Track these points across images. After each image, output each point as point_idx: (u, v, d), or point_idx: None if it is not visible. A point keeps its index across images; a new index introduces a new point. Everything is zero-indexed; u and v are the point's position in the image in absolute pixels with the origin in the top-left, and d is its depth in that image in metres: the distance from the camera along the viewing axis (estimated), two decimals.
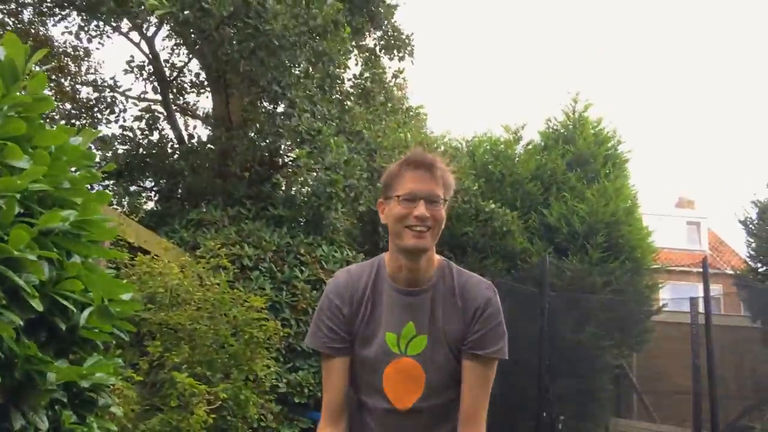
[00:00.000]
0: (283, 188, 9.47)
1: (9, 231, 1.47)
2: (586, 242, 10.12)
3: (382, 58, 10.56)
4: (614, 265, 9.99)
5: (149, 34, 9.77)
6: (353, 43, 9.52)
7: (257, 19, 7.13)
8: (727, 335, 9.78)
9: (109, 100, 10.61)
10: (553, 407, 8.18)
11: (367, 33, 10.36)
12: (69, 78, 11.13)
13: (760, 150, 50.09)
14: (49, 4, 10.14)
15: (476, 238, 10.14)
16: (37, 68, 1.73)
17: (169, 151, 10.22)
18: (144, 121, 10.24)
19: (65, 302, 1.69)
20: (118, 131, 10.11)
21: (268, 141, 8.75)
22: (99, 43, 10.74)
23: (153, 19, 8.96)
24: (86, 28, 10.43)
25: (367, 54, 10.50)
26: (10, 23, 10.39)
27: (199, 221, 7.61)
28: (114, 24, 9.80)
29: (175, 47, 10.88)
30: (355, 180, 7.49)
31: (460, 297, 1.88)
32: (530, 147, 12.01)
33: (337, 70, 8.61)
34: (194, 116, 11.17)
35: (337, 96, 9.36)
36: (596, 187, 10.59)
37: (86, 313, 1.80)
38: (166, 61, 10.64)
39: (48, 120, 9.09)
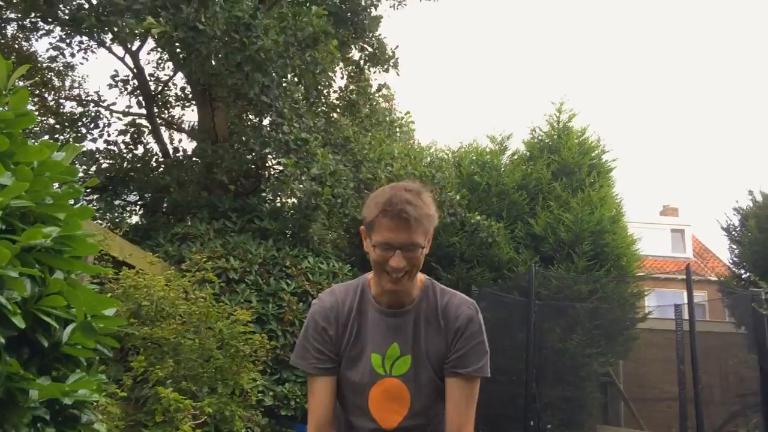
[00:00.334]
0: (269, 200, 9.47)
1: None
2: (572, 251, 10.17)
3: (367, 72, 10.61)
4: (600, 274, 10.05)
5: (133, 48, 9.76)
6: (339, 56, 9.58)
7: (245, 33, 7.16)
8: (712, 341, 9.86)
9: (93, 114, 10.57)
10: (541, 415, 8.19)
11: (352, 46, 10.42)
12: (53, 93, 11.08)
13: (742, 157, 50.68)
14: (32, 20, 10.11)
15: (463, 249, 10.18)
16: (20, 83, 1.73)
17: (154, 164, 10.19)
18: (128, 135, 10.21)
19: (47, 319, 1.68)
20: (102, 146, 10.07)
21: (254, 153, 8.75)
22: (83, 57, 10.72)
23: (137, 33, 8.96)
24: (69, 43, 10.40)
25: (353, 67, 10.55)
26: None
27: (184, 235, 7.58)
28: (98, 38, 9.78)
29: (160, 61, 10.87)
30: (342, 189, 7.51)
31: (442, 317, 1.89)
32: (516, 157, 12.08)
33: (323, 82, 8.66)
34: (179, 130, 11.15)
35: (323, 108, 9.40)
36: (581, 196, 10.67)
37: (69, 329, 1.79)
38: (151, 75, 10.64)
39: (31, 135, 9.05)
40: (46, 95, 10.90)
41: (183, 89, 10.89)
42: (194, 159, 9.50)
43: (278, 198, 8.97)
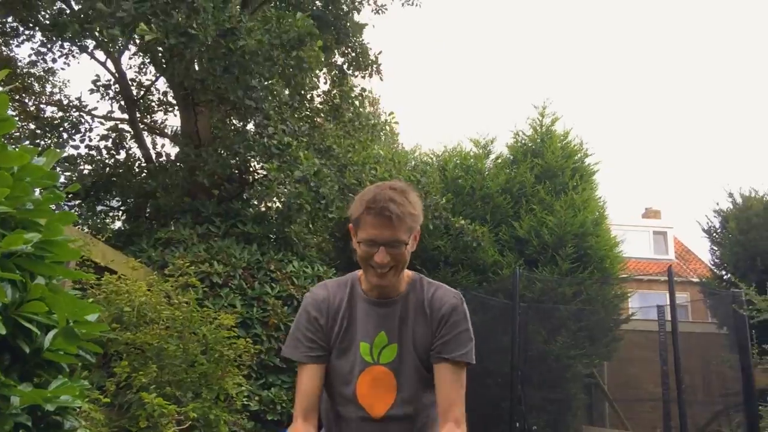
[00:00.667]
0: (253, 205, 9.44)
1: None
2: (556, 254, 10.24)
3: (350, 76, 10.63)
4: (583, 276, 10.12)
5: (115, 53, 9.71)
6: (323, 58, 9.58)
7: (231, 37, 7.16)
8: (695, 342, 9.97)
9: (74, 119, 10.49)
10: (526, 416, 8.23)
11: (335, 51, 10.43)
12: (33, 98, 10.99)
13: (723, 159, 51.25)
14: (12, 24, 10.02)
15: (447, 252, 10.21)
16: None
17: (137, 170, 10.13)
18: (110, 140, 10.14)
19: (29, 325, 1.67)
20: (84, 151, 9.99)
21: (237, 158, 8.73)
22: (64, 62, 10.65)
23: (119, 38, 8.92)
24: (51, 48, 10.32)
25: (336, 71, 10.56)
26: None
27: (167, 240, 7.54)
28: (79, 44, 9.72)
29: (142, 66, 10.82)
30: (327, 189, 7.50)
31: (428, 306, 1.95)
32: (499, 161, 12.14)
33: (308, 84, 8.65)
34: (162, 134, 11.10)
35: (307, 113, 9.39)
36: (564, 199, 10.73)
37: (51, 335, 1.78)
38: (133, 80, 10.58)
39: (12, 140, 8.96)
40: (26, 100, 10.80)
41: (165, 94, 10.85)
42: (177, 164, 9.46)
43: (263, 203, 8.95)
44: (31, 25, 9.58)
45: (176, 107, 10.27)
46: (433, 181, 10.53)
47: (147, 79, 10.81)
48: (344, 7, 10.00)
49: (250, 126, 9.13)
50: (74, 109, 10.66)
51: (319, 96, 10.17)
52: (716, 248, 12.70)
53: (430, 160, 12.95)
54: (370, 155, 9.01)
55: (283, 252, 7.69)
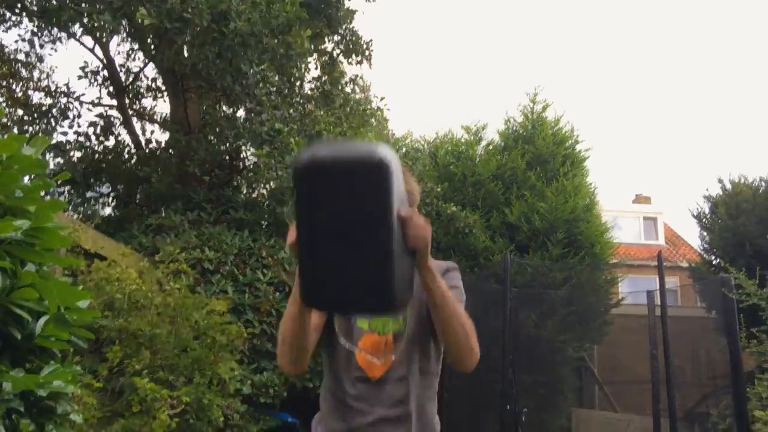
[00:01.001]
0: (244, 191, 9.42)
1: None
2: (547, 239, 10.29)
3: (340, 63, 10.59)
4: (574, 261, 10.18)
5: (104, 39, 9.63)
6: (312, 47, 9.53)
7: (224, 21, 7.12)
8: (684, 326, 10.04)
9: (62, 106, 10.41)
10: (517, 400, 8.30)
11: (325, 37, 10.38)
12: (21, 84, 10.89)
13: (713, 145, 51.44)
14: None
15: (439, 238, 10.24)
16: None
17: (126, 156, 10.07)
18: (99, 126, 10.08)
19: (20, 311, 1.68)
20: (73, 137, 9.93)
21: (227, 144, 8.70)
22: (52, 48, 10.54)
23: (107, 25, 8.84)
24: (39, 34, 10.22)
25: (326, 58, 10.52)
26: None
27: (158, 226, 7.53)
28: (68, 30, 9.63)
29: (130, 51, 10.73)
30: None
31: None
32: (491, 147, 12.15)
33: (297, 72, 8.62)
34: (151, 121, 11.03)
35: (297, 99, 9.36)
36: (555, 185, 10.77)
37: (42, 321, 1.80)
38: (122, 66, 10.50)
39: (0, 127, 8.90)
40: (13, 86, 10.70)
41: (154, 80, 10.77)
42: (168, 150, 9.42)
43: (253, 189, 8.92)
44: (17, 11, 9.47)
45: (165, 93, 10.21)
46: (425, 167, 10.52)
47: (136, 65, 10.73)
48: None
49: (241, 112, 9.09)
50: (62, 96, 10.58)
51: (309, 82, 10.13)
52: (706, 233, 12.79)
53: (421, 147, 12.95)
54: (360, 141, 9.00)
55: (275, 238, 7.69)
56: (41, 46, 10.43)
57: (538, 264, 10.06)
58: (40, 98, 10.81)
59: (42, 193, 1.87)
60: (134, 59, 10.72)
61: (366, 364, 1.93)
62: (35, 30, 10.04)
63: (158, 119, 10.95)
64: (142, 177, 8.88)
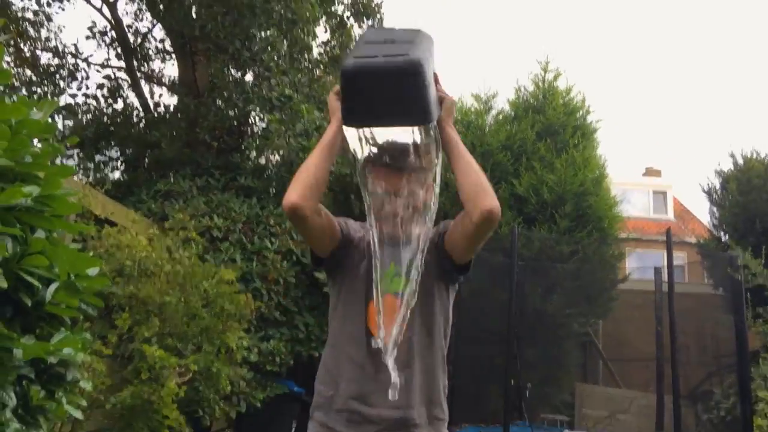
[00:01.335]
0: (253, 158, 9.36)
1: None
2: (555, 212, 10.22)
3: (351, 27, 10.43)
4: (581, 235, 10.12)
5: None
6: (321, 10, 9.37)
7: None
8: (690, 303, 10.03)
9: (71, 66, 10.32)
10: (521, 374, 8.34)
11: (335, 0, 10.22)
12: (29, 43, 10.78)
13: (725, 119, 50.96)
14: None
15: (447, 208, 10.16)
16: None
17: (135, 119, 10.01)
18: (107, 88, 10.00)
19: (30, 278, 1.66)
20: (81, 99, 9.86)
21: (236, 109, 8.61)
22: (59, 7, 10.41)
23: None
24: None
25: (336, 21, 10.35)
26: None
27: (167, 192, 7.50)
28: None
29: (138, 12, 10.59)
30: None
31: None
32: (500, 117, 12.01)
33: (306, 38, 8.49)
34: (160, 84, 10.93)
35: (307, 65, 9.24)
36: (565, 157, 10.66)
37: (52, 288, 1.78)
38: (129, 26, 10.36)
39: (9, 87, 8.83)
40: (21, 46, 10.60)
41: (163, 41, 10.64)
42: (177, 115, 9.34)
43: (262, 155, 8.84)
44: None
45: (174, 56, 10.10)
46: None
47: (144, 26, 10.59)
48: None
49: (249, 77, 8.99)
50: (70, 56, 10.48)
51: (318, 47, 9.99)
52: (716, 209, 12.69)
53: None
54: None
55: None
56: (48, 5, 10.31)
57: (545, 237, 10.01)
58: (48, 58, 10.73)
59: (52, 158, 1.84)
60: (142, 20, 10.59)
61: (374, 325, 1.91)
62: None
63: (167, 82, 10.85)
64: (151, 141, 8.83)
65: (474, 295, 8.49)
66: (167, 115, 9.60)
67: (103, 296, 3.24)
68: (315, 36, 9.30)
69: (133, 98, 10.12)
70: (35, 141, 1.82)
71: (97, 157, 9.35)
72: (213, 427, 6.23)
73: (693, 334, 9.87)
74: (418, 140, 1.95)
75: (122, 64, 10.03)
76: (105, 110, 9.91)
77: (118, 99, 10.07)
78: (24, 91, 9.57)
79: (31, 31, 10.81)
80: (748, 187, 11.79)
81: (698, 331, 10.04)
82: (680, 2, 56.97)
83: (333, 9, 10.31)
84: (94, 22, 10.00)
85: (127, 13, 10.55)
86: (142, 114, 9.90)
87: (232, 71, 9.57)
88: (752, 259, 7.84)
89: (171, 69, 11.12)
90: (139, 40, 10.47)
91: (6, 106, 1.63)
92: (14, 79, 9.63)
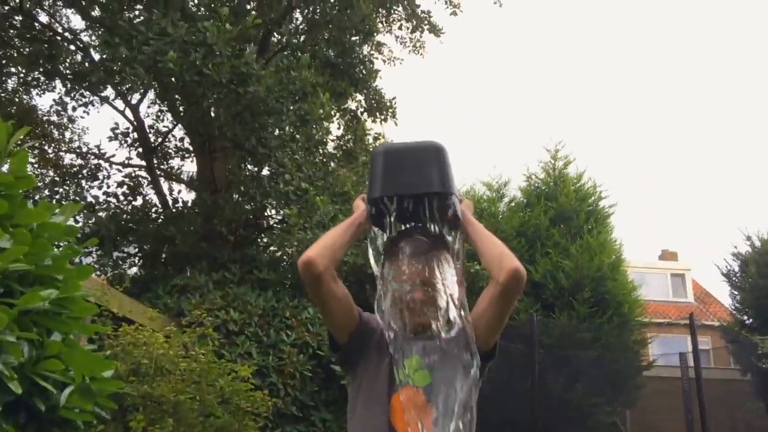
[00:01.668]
0: (271, 250, 9.43)
1: None
2: (573, 298, 10.11)
3: (364, 121, 10.74)
4: (602, 321, 9.96)
5: (134, 101, 9.89)
6: (335, 107, 9.68)
7: (242, 84, 7.28)
8: (718, 388, 9.72)
9: (93, 166, 10.63)
10: None
11: (349, 97, 10.57)
12: (53, 145, 11.16)
13: (737, 200, 50.91)
14: (33, 75, 10.25)
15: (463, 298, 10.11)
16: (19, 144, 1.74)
17: (153, 215, 10.19)
18: (127, 186, 10.24)
19: (45, 383, 1.65)
20: (102, 198, 10.09)
21: (253, 204, 8.76)
22: (84, 111, 10.83)
23: (140, 86, 9.09)
24: (73, 96, 10.53)
25: (350, 117, 10.68)
26: None
27: (183, 286, 7.53)
28: (100, 93, 9.92)
29: (159, 113, 10.99)
30: None
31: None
32: (513, 204, 12.12)
33: (320, 133, 8.73)
34: (178, 180, 11.20)
35: (321, 158, 9.46)
36: (580, 242, 10.66)
37: (67, 392, 1.76)
38: (151, 127, 10.73)
39: (31, 189, 9.07)
40: (45, 147, 10.97)
41: (182, 140, 10.99)
42: (194, 209, 9.51)
43: (284, 247, 8.87)
44: (50, 74, 9.79)
45: (193, 153, 10.39)
46: None
47: (164, 126, 10.97)
48: (356, 58, 10.19)
49: (266, 171, 9.20)
50: (93, 157, 10.81)
51: (333, 140, 10.26)
52: (736, 292, 12.51)
53: None
54: None
55: (298, 298, 7.64)
56: (74, 109, 10.74)
57: (564, 324, 9.86)
58: (71, 159, 11.06)
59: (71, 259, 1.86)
60: (162, 120, 10.97)
61: (399, 423, 1.82)
62: (67, 91, 10.35)
63: (185, 178, 11.11)
64: (169, 237, 8.94)
65: (493, 385, 8.29)
66: (185, 211, 9.77)
67: (118, 397, 3.20)
68: (328, 132, 9.58)
69: (152, 195, 10.35)
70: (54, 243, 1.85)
71: (115, 254, 9.46)
72: None
73: (724, 422, 9.50)
74: (442, 235, 1.99)
75: (143, 162, 10.32)
76: (124, 207, 10.12)
77: (138, 196, 10.30)
78: (47, 192, 9.81)
79: (55, 133, 11.21)
80: None
81: (729, 418, 9.68)
82: (690, 81, 58.22)
83: (346, 106, 10.66)
84: (116, 124, 10.38)
85: (148, 114, 10.97)
86: (160, 210, 10.09)
87: (249, 167, 9.81)
88: None
89: (190, 165, 11.41)
90: (159, 140, 10.81)
91: (29, 211, 1.67)
92: (37, 181, 9.91)
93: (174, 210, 9.89)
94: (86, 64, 9.11)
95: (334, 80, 9.86)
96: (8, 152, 1.66)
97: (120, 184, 10.22)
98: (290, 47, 9.88)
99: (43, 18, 9.64)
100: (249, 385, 4.79)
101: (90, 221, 9.31)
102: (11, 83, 10.66)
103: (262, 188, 8.30)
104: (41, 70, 9.64)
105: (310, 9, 9.95)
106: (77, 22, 10.15)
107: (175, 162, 11.42)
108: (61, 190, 10.15)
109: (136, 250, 9.78)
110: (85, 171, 10.58)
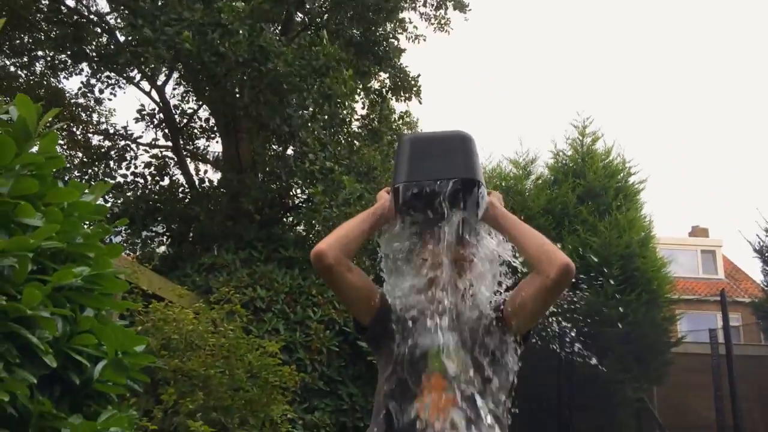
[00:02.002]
0: (297, 229, 9.49)
1: (22, 289, 1.48)
2: (601, 275, 10.03)
3: (390, 100, 10.70)
4: (630, 298, 9.88)
5: (159, 83, 9.96)
6: (360, 86, 9.65)
7: (264, 61, 7.29)
8: (747, 365, 9.60)
9: (120, 147, 10.76)
10: None
11: (373, 76, 10.52)
12: (81, 127, 11.32)
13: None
14: (61, 58, 10.37)
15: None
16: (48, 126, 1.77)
17: (180, 195, 10.31)
18: (154, 167, 10.37)
19: (79, 357, 1.69)
20: (130, 178, 10.24)
21: (278, 183, 8.81)
22: (111, 93, 10.95)
23: (164, 67, 9.15)
24: (99, 78, 10.65)
25: (374, 96, 10.64)
26: (23, 75, 10.61)
27: (211, 265, 7.63)
28: (126, 75, 10.02)
29: (184, 94, 11.06)
30: None
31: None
32: (540, 181, 12.01)
33: (344, 111, 8.73)
34: (204, 161, 11.31)
35: (346, 137, 9.46)
36: (608, 219, 10.54)
37: (100, 366, 1.80)
38: (176, 107, 10.82)
39: (61, 170, 9.23)
40: (74, 129, 11.13)
41: (207, 120, 11.06)
42: (220, 189, 9.60)
43: (312, 225, 8.92)
44: (77, 57, 9.90)
45: (218, 134, 10.47)
46: None
47: (190, 107, 11.05)
48: (380, 36, 10.12)
49: (290, 151, 9.23)
50: (120, 138, 10.94)
51: (357, 120, 10.25)
52: None
53: None
54: None
55: None
56: (101, 91, 10.86)
57: (593, 301, 9.80)
58: (99, 140, 11.21)
59: (101, 239, 1.90)
60: (188, 101, 11.05)
61: (427, 410, 1.84)
62: (93, 72, 10.47)
63: (211, 159, 11.21)
64: (196, 216, 9.05)
65: (521, 361, 8.30)
66: (211, 191, 9.87)
67: (149, 370, 3.27)
68: (353, 110, 9.56)
69: (178, 175, 10.47)
70: (85, 223, 1.89)
71: (144, 233, 9.61)
72: None
73: (754, 399, 9.40)
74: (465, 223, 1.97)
75: (169, 143, 10.42)
76: (152, 188, 10.25)
77: (165, 177, 10.42)
78: (76, 173, 9.97)
79: (83, 116, 11.35)
80: None
81: (760, 396, 9.57)
82: (725, 55, 56.92)
83: (370, 85, 10.62)
84: (143, 105, 10.48)
85: (174, 95, 11.05)
86: (187, 190, 10.21)
87: (274, 146, 9.85)
88: None
89: (215, 146, 11.51)
90: (185, 121, 10.90)
91: (59, 190, 1.70)
92: (66, 162, 10.08)
93: (200, 190, 10.00)
94: (112, 46, 9.20)
95: (358, 59, 9.82)
96: (38, 134, 1.69)
97: (147, 165, 10.35)
98: (313, 25, 9.86)
99: (70, 2, 9.75)
100: (277, 360, 4.86)
101: (119, 201, 9.45)
102: (39, 66, 10.81)
103: (287, 167, 8.35)
104: (68, 53, 9.75)
105: None
106: (103, 4, 10.21)
107: (201, 142, 11.54)
108: (90, 171, 10.31)
109: (164, 229, 9.93)
110: (113, 152, 10.73)
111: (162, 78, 9.98)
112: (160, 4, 7.58)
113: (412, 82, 10.62)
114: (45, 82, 10.78)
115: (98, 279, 1.73)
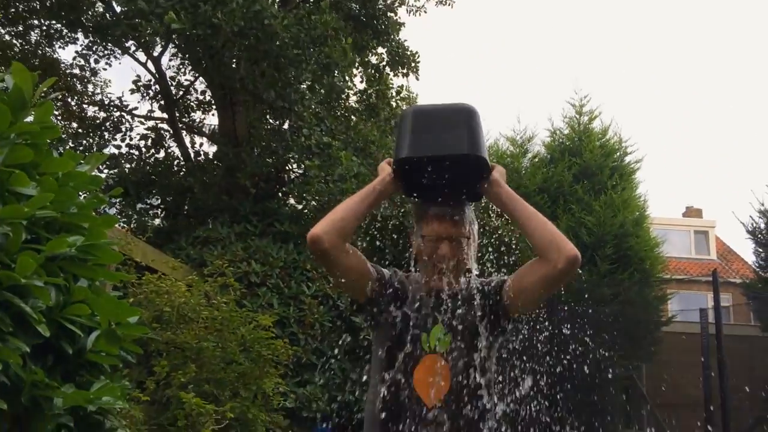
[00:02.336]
0: (290, 204, 9.48)
1: (16, 258, 1.48)
2: (595, 254, 10.07)
3: (388, 75, 10.62)
4: (623, 277, 9.94)
5: (155, 54, 9.87)
6: (357, 59, 9.57)
7: (261, 30, 7.20)
8: (737, 345, 9.71)
9: (116, 119, 10.69)
10: (563, 419, 8.12)
11: (371, 50, 10.43)
12: (76, 98, 11.23)
13: (762, 154, 49.90)
14: (56, 27, 10.25)
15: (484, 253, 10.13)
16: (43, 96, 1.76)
17: (176, 168, 10.27)
18: (150, 139, 10.31)
19: (72, 327, 1.69)
20: (125, 150, 10.19)
21: (274, 157, 8.78)
22: (106, 63, 10.85)
23: (159, 35, 9.06)
24: (94, 49, 10.54)
25: (372, 71, 10.56)
26: (18, 45, 10.50)
27: (205, 238, 7.64)
28: (122, 45, 9.91)
29: (181, 66, 10.97)
30: None
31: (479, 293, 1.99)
32: (536, 160, 11.99)
33: (341, 83, 8.66)
34: (200, 134, 11.24)
35: (342, 112, 9.41)
36: (603, 198, 10.56)
37: (93, 336, 1.81)
38: (172, 79, 10.73)
39: (56, 141, 9.16)
40: (69, 100, 11.05)
41: (204, 93, 10.99)
42: (215, 162, 9.57)
43: (304, 200, 8.92)
44: (74, 27, 9.79)
45: (214, 107, 10.40)
46: None
47: (186, 79, 10.97)
48: (380, 6, 10.00)
49: (287, 125, 9.19)
50: (115, 109, 10.86)
51: (354, 95, 10.19)
52: (761, 249, 12.36)
53: None
54: None
55: None
56: (96, 61, 10.75)
57: (585, 279, 9.86)
58: (95, 111, 11.13)
59: (95, 209, 1.90)
60: (184, 73, 10.96)
61: (423, 392, 1.88)
62: (89, 44, 10.36)
63: (207, 132, 11.15)
64: (191, 189, 9.03)
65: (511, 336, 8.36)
66: (207, 164, 9.84)
67: (142, 342, 3.29)
68: (351, 82, 9.50)
69: (174, 148, 10.41)
70: (80, 193, 1.88)
71: (139, 206, 9.59)
72: None
73: (741, 378, 9.51)
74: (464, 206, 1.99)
75: (165, 115, 10.35)
76: (147, 159, 10.20)
77: (160, 149, 10.37)
78: (71, 143, 9.92)
79: (78, 86, 11.26)
80: None
81: (747, 375, 9.68)
82: (720, 36, 56.63)
83: (368, 60, 10.53)
84: (138, 76, 10.40)
85: (170, 67, 10.96)
86: (182, 162, 10.16)
87: (271, 120, 9.80)
88: None
89: (212, 119, 11.44)
90: (181, 93, 10.82)
91: (54, 160, 1.70)
92: (61, 132, 10.00)
93: (196, 163, 9.96)
94: (108, 16, 9.09)
95: (357, 32, 9.73)
96: (33, 103, 1.68)
97: (143, 137, 10.30)
98: None
99: None
100: (270, 333, 4.89)
101: (113, 172, 9.42)
102: (34, 35, 10.68)
103: (284, 142, 8.32)
104: (64, 21, 9.64)
105: None
106: None
107: (197, 115, 11.46)
108: (84, 142, 10.25)
109: (159, 201, 9.91)
110: (108, 123, 10.66)
111: (158, 49, 9.89)
112: None
113: (411, 58, 10.54)
114: (40, 52, 10.67)
115: (92, 249, 1.73)
